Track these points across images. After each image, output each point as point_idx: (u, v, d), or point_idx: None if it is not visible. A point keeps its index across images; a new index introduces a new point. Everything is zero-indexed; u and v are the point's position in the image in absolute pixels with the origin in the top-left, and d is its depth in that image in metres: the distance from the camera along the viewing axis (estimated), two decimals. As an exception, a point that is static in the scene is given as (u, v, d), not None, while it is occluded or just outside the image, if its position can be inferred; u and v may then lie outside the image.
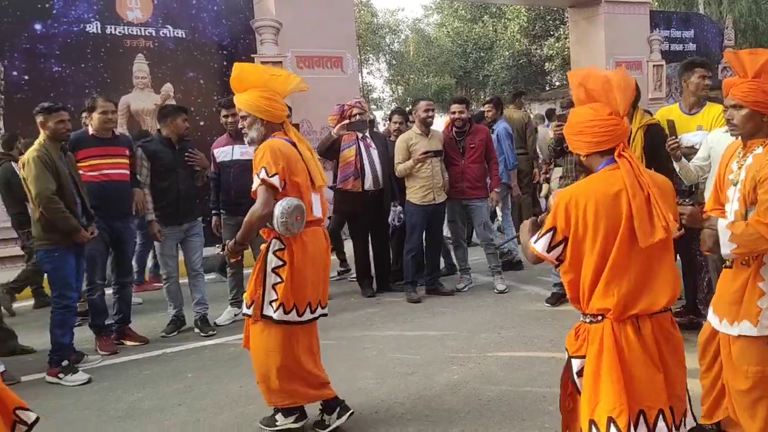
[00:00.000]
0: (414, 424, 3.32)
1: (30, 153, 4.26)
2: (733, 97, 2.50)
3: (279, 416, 3.27)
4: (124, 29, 8.08)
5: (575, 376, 2.17)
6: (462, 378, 3.93)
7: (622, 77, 2.19)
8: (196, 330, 5.26)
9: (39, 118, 4.34)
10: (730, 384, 2.53)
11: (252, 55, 8.82)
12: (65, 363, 4.28)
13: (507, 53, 25.48)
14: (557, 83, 25.18)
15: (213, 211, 5.69)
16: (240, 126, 3.29)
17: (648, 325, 2.08)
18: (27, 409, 2.26)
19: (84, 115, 5.32)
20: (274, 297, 3.08)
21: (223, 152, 5.51)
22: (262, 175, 2.98)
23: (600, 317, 2.09)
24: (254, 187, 3.06)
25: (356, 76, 10.83)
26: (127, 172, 5.03)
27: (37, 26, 7.56)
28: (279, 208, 2.99)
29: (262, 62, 8.91)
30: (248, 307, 3.16)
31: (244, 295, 3.23)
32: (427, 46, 28.55)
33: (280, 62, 8.94)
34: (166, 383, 4.16)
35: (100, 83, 7.84)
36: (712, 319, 2.57)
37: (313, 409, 3.33)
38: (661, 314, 2.11)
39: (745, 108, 2.46)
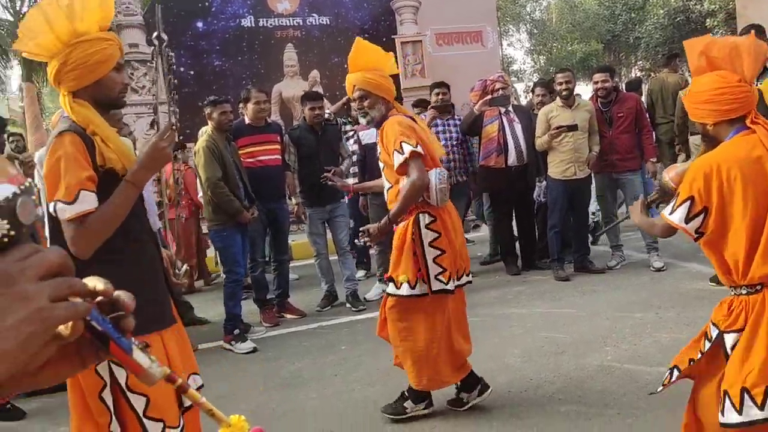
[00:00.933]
0: (566, 405, 3.26)
1: (200, 143, 4.71)
2: None
3: (408, 403, 3.24)
4: (274, 21, 8.56)
5: (729, 351, 2.05)
6: (615, 359, 3.79)
7: (752, 42, 2.05)
8: (348, 305, 5.54)
9: (206, 110, 4.79)
10: None
11: (392, 36, 8.96)
12: (237, 332, 4.72)
13: (661, 12, 23.48)
14: (720, 40, 22.82)
15: (360, 192, 5.91)
16: (359, 106, 3.16)
17: None
18: (197, 373, 2.18)
19: (240, 105, 5.75)
20: (440, 270, 3.01)
21: (368, 134, 5.69)
22: (408, 148, 2.90)
23: (759, 287, 1.99)
24: (398, 163, 2.94)
25: (497, 50, 10.60)
26: (279, 157, 5.36)
27: (199, 24, 8.24)
28: (435, 178, 2.96)
29: (402, 42, 9.04)
30: (411, 287, 3.01)
31: (400, 277, 3.05)
32: (571, 12, 27.09)
33: (420, 41, 9.00)
34: (323, 355, 4.44)
35: (255, 74, 8.40)
36: None
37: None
38: None
39: None
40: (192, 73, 8.20)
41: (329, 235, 5.72)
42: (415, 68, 8.99)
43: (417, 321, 3.12)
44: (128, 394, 1.81)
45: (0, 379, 0.57)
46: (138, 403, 1.81)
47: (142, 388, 1.82)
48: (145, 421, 1.80)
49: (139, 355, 0.65)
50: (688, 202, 2.04)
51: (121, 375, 1.82)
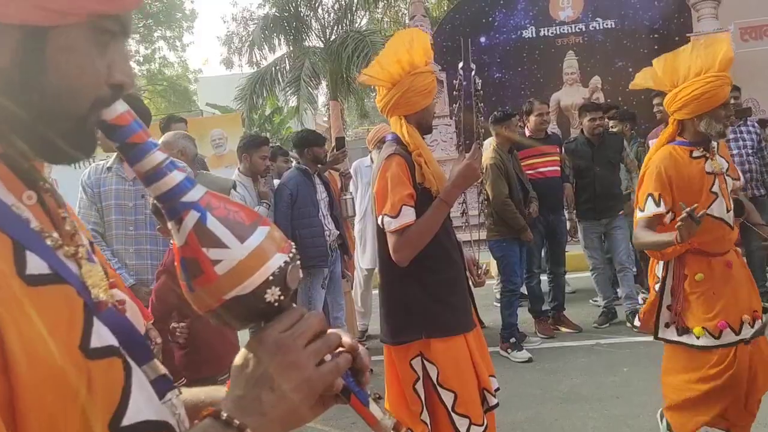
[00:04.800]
0: None
1: (487, 160, 4.91)
2: None
3: None
4: (555, 29, 8.51)
5: None
6: None
7: None
8: (628, 324, 5.25)
9: (491, 126, 4.97)
10: None
11: (687, 35, 8.22)
12: (513, 340, 4.83)
13: None
14: None
15: None
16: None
17: None
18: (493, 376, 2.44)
19: (523, 117, 5.84)
20: None
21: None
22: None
23: None
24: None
25: (821, 40, 9.01)
26: (558, 168, 5.37)
27: (482, 39, 8.58)
28: None
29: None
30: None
31: (745, 316, 2.51)
32: None
33: (721, 38, 8.10)
34: (602, 374, 4.29)
35: (533, 84, 8.46)
36: None
37: None
38: None
39: None
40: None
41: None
42: (714, 68, 8.11)
43: None
44: (439, 389, 2.02)
45: None
46: (447, 398, 2.01)
47: (452, 385, 2.01)
48: (453, 415, 1.99)
49: (374, 408, 0.70)
50: None
51: (432, 371, 2.03)
